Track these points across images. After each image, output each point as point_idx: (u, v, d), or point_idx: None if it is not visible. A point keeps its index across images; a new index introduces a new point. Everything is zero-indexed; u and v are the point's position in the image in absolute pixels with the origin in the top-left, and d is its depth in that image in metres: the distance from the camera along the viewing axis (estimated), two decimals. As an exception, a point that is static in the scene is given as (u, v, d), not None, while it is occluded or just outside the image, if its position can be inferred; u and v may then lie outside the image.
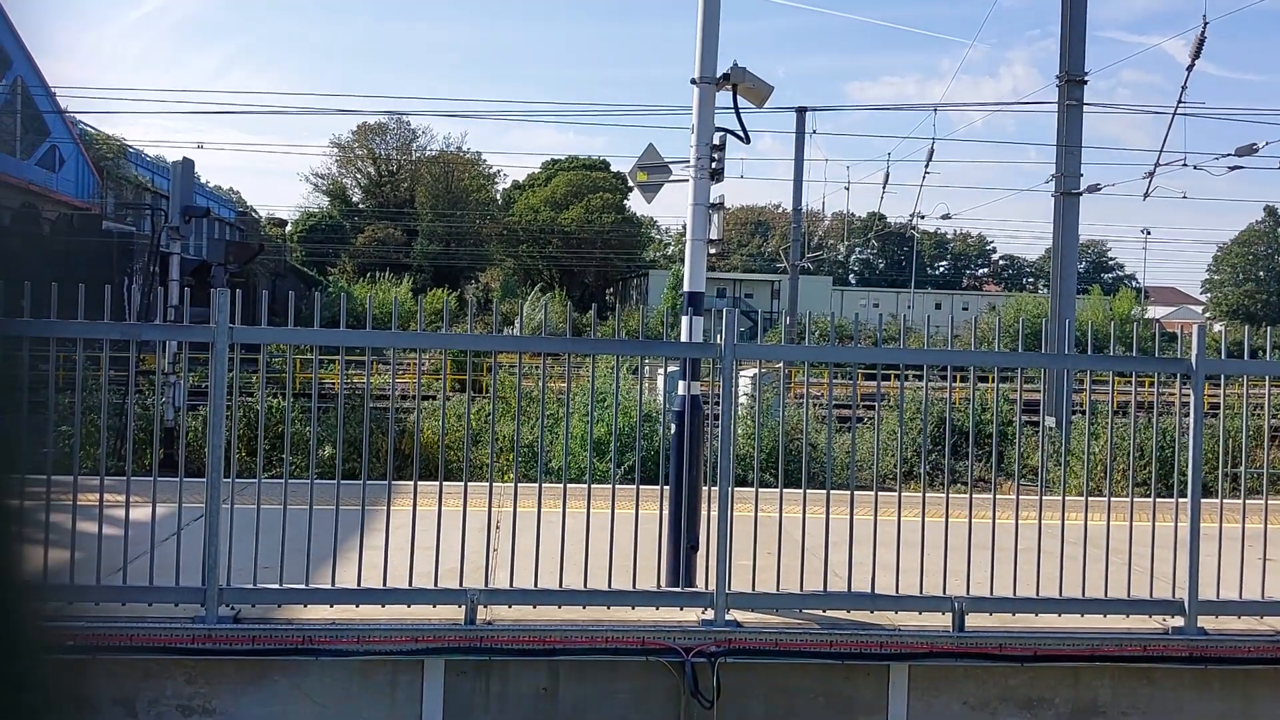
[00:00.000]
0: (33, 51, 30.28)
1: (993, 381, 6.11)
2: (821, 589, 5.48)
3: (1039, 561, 5.47)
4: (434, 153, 77.25)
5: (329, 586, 5.20)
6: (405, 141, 77.07)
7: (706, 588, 5.44)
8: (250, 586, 5.11)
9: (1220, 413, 5.71)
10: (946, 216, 40.06)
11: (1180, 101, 15.52)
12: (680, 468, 5.71)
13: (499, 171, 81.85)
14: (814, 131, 52.90)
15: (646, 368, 6.20)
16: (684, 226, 6.11)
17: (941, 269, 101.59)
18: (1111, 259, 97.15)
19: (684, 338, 6.02)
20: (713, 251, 6.29)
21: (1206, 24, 14.49)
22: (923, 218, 39.12)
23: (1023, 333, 6.13)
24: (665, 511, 5.72)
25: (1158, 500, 5.89)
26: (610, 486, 5.55)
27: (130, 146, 41.03)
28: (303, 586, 5.16)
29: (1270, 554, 6.72)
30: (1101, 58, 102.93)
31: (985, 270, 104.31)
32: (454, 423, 12.73)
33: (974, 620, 5.40)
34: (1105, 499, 5.68)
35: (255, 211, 68.68)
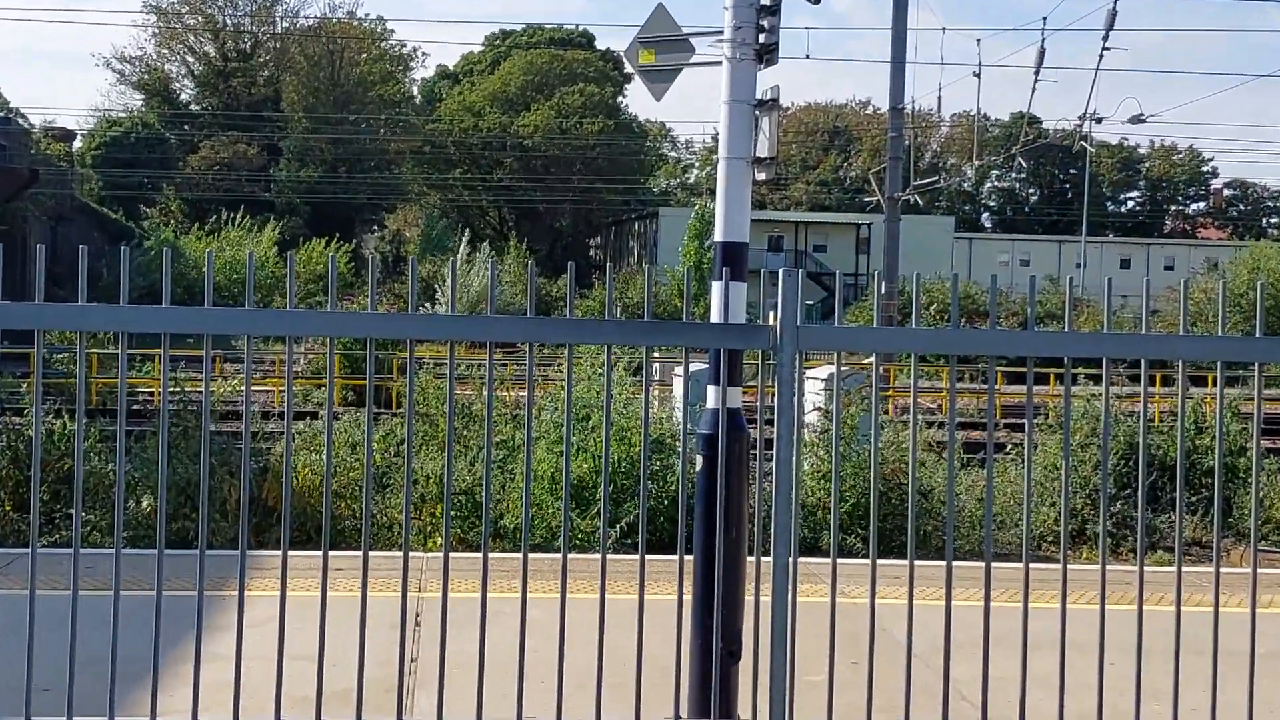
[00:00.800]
0: None
1: (1215, 385, 6.12)
2: (939, 720, 5.47)
3: (1290, 674, 5.47)
4: (311, 22, 77.35)
5: (147, 720, 5.20)
6: (264, 5, 77.05)
7: None
8: (21, 721, 5.12)
9: None
10: (1139, 119, 40.03)
11: None
12: (711, 526, 5.71)
13: (416, 51, 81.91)
14: (924, -17, 53.00)
15: (655, 365, 6.20)
16: (714, 138, 6.12)
17: (1131, 203, 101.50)
18: None
19: (715, 317, 6.02)
20: (761, 178, 6.29)
21: None
22: (1099, 121, 39.13)
23: (1262, 304, 6.12)
24: (687, 597, 5.71)
25: None
26: (598, 557, 5.55)
27: None
28: (105, 720, 5.16)
29: None
30: None
31: (1203, 206, 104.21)
32: (346, 456, 12.76)
33: (1185, 769, 5.41)
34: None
35: (22, 117, 68.75)
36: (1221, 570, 5.56)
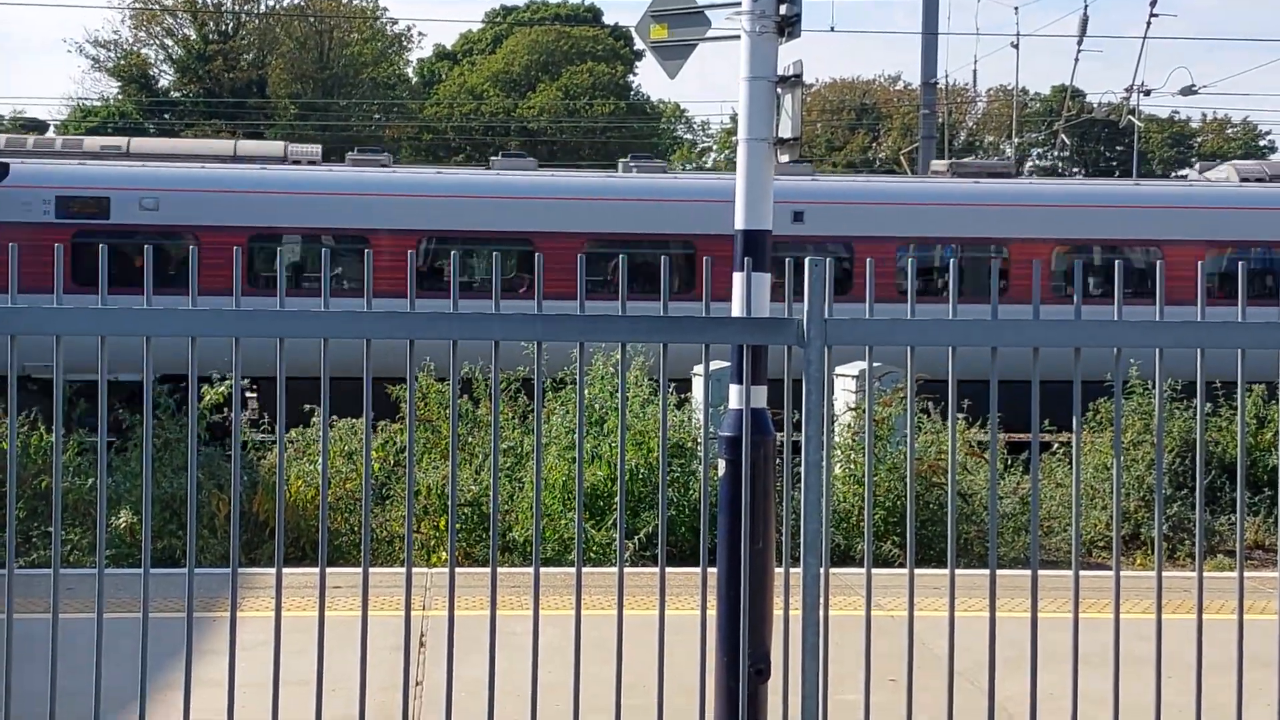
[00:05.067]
0: None
1: None
2: (985, 741, 5.46)
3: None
4: (297, 0, 77.39)
5: (135, 752, 5.21)
6: (247, -19, 77.22)
7: (785, 742, 5.44)
8: (-1, 754, 5.14)
9: None
10: (1190, 91, 39.89)
11: None
12: (735, 535, 5.72)
13: (411, 29, 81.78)
14: (956, -52, 52.99)
15: (672, 362, 6.20)
16: (733, 118, 6.11)
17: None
18: None
19: (737, 310, 6.02)
20: (784, 159, 6.29)
21: None
22: (1148, 94, 39.02)
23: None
24: (711, 612, 5.72)
25: None
26: (615, 570, 5.56)
27: None
28: (90, 753, 5.18)
29: None
30: None
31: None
32: (343, 467, 12.78)
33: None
34: None
35: (-8, 109, 68.93)
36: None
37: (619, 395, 5.56)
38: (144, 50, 78.81)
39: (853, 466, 12.39)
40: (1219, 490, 13.45)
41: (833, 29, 58.09)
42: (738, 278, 6.02)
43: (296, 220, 20.81)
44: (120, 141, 23.99)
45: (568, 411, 12.52)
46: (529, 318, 5.39)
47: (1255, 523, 13.71)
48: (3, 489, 8.46)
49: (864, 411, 11.11)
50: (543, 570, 5.63)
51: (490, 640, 5.34)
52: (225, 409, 12.57)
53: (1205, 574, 5.74)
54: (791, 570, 5.49)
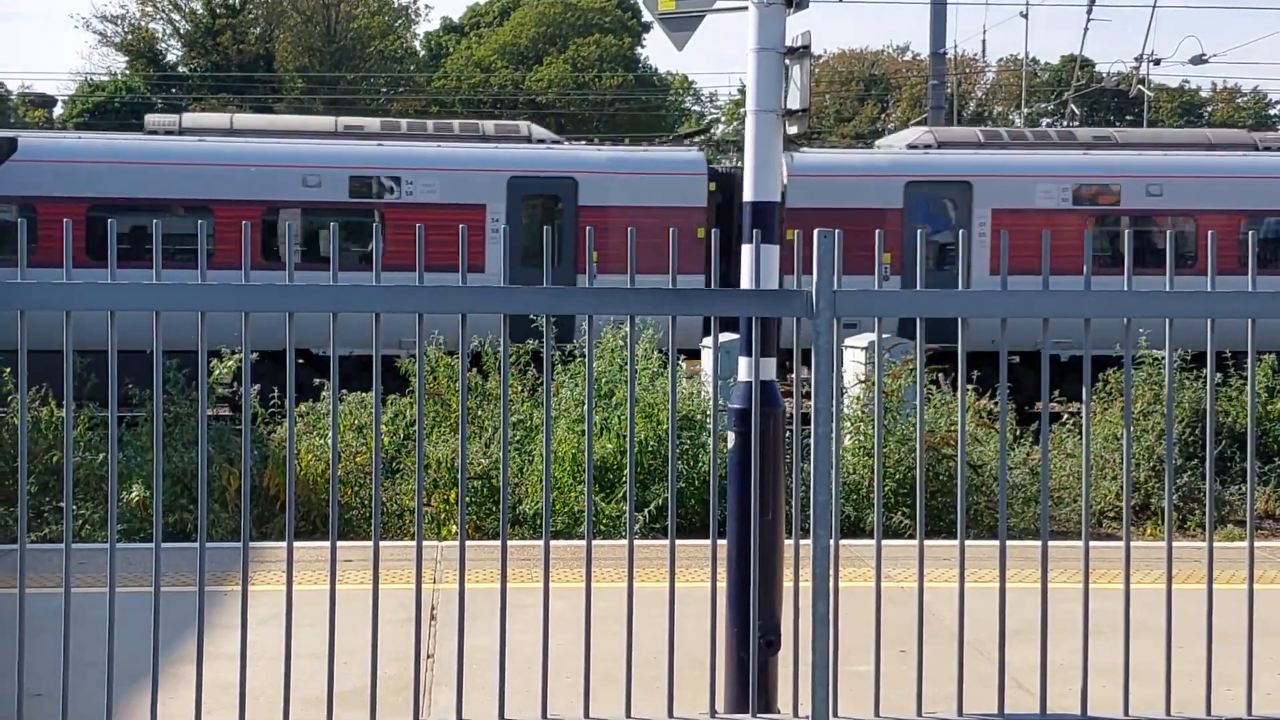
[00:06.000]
0: None
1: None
2: (996, 711, 5.48)
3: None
4: (303, -27, 77.17)
5: (148, 725, 5.24)
6: (255, -43, 77.03)
7: (796, 713, 5.46)
8: (13, 728, 5.16)
9: None
10: (1200, 60, 39.69)
11: None
12: (746, 508, 5.72)
13: (418, 2, 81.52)
14: (965, -83, 52.68)
15: (681, 335, 6.22)
16: (740, 90, 6.09)
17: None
18: None
19: (746, 282, 6.01)
20: (793, 131, 6.27)
21: None
22: (1158, 63, 38.82)
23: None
24: (721, 584, 5.73)
25: None
26: (625, 543, 5.57)
27: None
28: (103, 726, 5.21)
29: None
30: None
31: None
32: (353, 441, 12.80)
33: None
34: None
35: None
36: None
37: (628, 368, 5.56)
38: (151, 24, 78.60)
39: (862, 438, 12.39)
40: (1229, 460, 13.42)
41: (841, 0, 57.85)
42: (746, 249, 6.00)
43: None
44: None
45: (577, 385, 12.53)
46: (537, 291, 5.39)
47: (1265, 492, 13.71)
48: (14, 464, 8.48)
49: (874, 383, 11.11)
50: (553, 543, 5.64)
51: (501, 612, 5.35)
52: (235, 384, 12.57)
53: (1215, 544, 5.74)
54: (801, 542, 5.49)
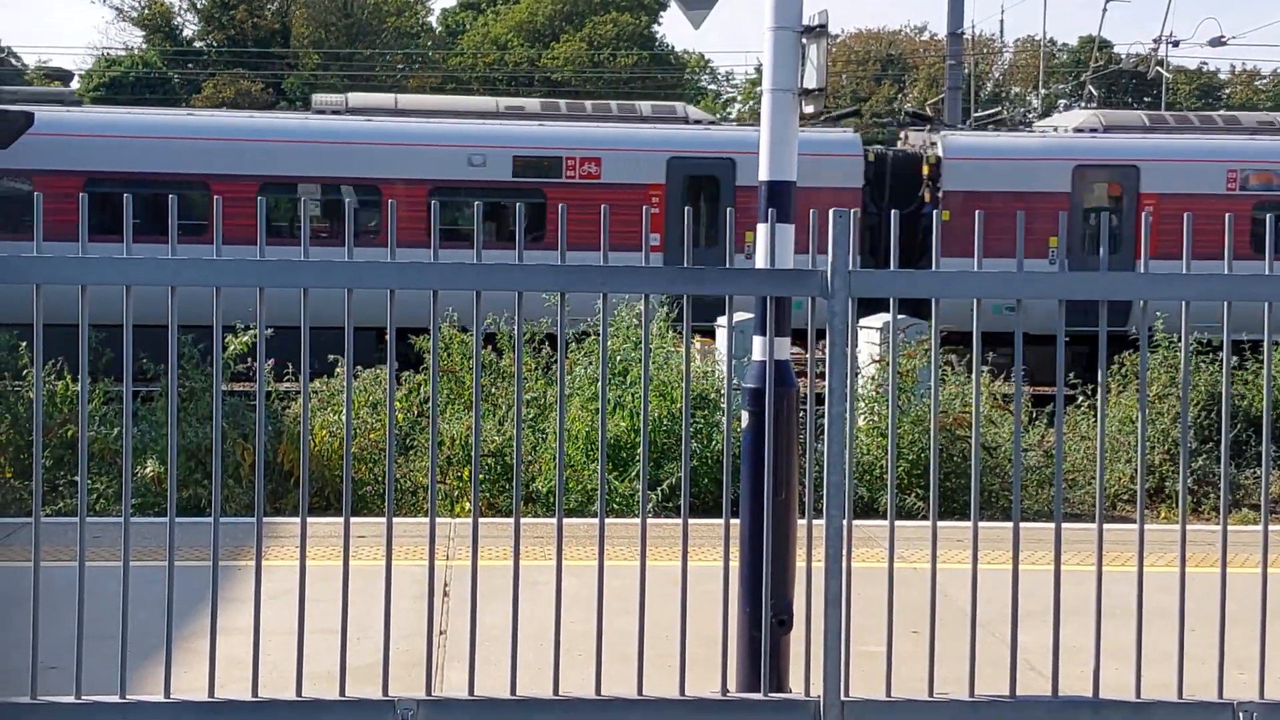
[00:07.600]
0: None
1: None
2: (1008, 693, 5.49)
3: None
4: (320, -49, 77.09)
5: (159, 698, 5.26)
6: (271, -70, 76.95)
7: (808, 693, 5.46)
8: (25, 700, 5.18)
9: None
10: (1219, 42, 39.46)
11: None
12: (759, 488, 5.72)
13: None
14: (984, -104, 52.47)
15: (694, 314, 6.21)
16: (757, 69, 6.07)
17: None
18: None
19: (761, 261, 6.00)
20: (809, 111, 6.24)
21: None
22: (1176, 45, 38.59)
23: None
24: (734, 563, 5.73)
25: None
26: (637, 521, 5.57)
27: None
28: (115, 699, 5.23)
29: None
30: None
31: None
32: (368, 417, 12.80)
33: (1273, 743, 5.40)
34: None
35: (15, 57, 68.97)
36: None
37: (642, 347, 5.56)
38: (168, 1, 78.60)
39: (876, 419, 12.38)
40: (1244, 444, 13.38)
41: (859, -21, 57.66)
42: (762, 229, 5.99)
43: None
44: None
45: (591, 363, 12.52)
46: (552, 269, 5.39)
47: (1281, 476, 13.65)
48: (30, 438, 8.50)
49: (888, 364, 11.08)
50: (566, 521, 5.64)
51: (514, 589, 5.36)
52: (250, 359, 12.57)
53: (1230, 527, 5.73)
54: (814, 522, 5.49)
